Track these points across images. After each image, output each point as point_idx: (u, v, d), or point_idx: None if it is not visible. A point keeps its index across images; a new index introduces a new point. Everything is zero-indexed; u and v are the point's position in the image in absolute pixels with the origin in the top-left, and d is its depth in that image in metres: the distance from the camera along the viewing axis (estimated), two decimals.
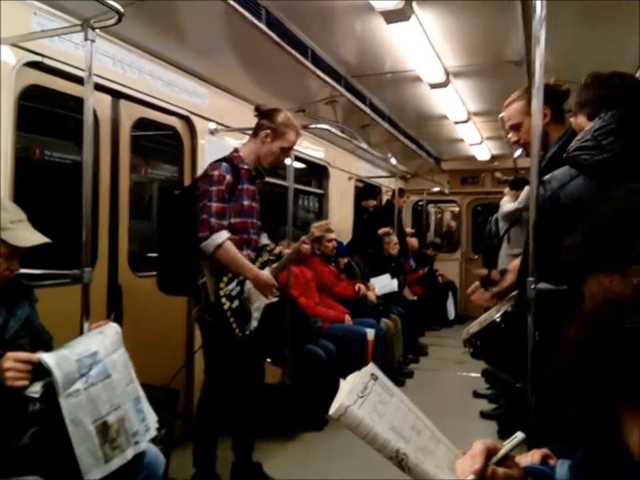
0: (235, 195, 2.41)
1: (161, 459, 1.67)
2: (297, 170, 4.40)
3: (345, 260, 4.79)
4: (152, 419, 1.60)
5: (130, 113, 2.91)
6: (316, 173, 5.50)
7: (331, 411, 0.76)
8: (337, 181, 5.59)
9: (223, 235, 2.30)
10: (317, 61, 3.36)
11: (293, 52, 3.03)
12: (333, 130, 4.09)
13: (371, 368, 0.81)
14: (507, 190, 4.38)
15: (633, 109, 1.55)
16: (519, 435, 0.79)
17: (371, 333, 4.04)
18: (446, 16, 2.92)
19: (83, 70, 1.95)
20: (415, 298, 6.22)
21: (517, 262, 2.07)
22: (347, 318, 4.13)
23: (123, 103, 2.84)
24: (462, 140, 6.08)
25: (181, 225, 2.41)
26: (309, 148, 4.91)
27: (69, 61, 2.36)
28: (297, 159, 4.46)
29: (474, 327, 2.01)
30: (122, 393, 1.49)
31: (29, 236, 1.56)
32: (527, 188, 3.56)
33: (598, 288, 0.54)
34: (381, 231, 5.59)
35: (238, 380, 2.59)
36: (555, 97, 1.89)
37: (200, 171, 2.77)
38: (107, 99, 2.76)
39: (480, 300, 2.19)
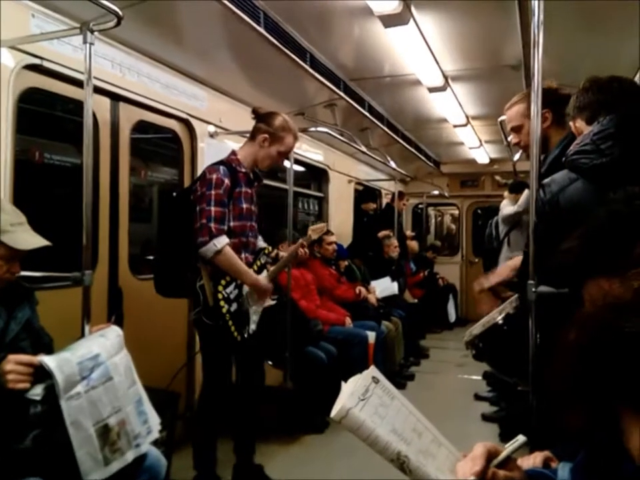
0: (234, 199, 2.41)
1: (162, 461, 1.67)
2: (296, 173, 4.41)
3: (346, 263, 4.79)
4: (154, 420, 1.60)
5: (129, 116, 2.91)
6: (316, 175, 5.51)
7: (333, 413, 0.76)
8: (336, 184, 5.59)
9: (223, 241, 2.30)
10: (316, 65, 3.37)
11: (292, 55, 3.03)
12: (332, 133, 4.10)
13: (372, 371, 0.81)
14: (506, 193, 4.39)
15: (631, 113, 1.55)
16: (520, 438, 0.79)
17: (371, 336, 4.04)
18: (444, 20, 2.93)
19: (82, 73, 1.95)
20: (416, 301, 6.22)
21: (517, 260, 2.07)
22: (348, 321, 4.13)
23: (122, 105, 2.85)
24: (461, 143, 6.08)
25: (178, 227, 2.41)
26: (309, 151, 4.91)
27: (68, 64, 2.36)
28: (297, 161, 4.47)
29: (476, 328, 2.01)
30: (123, 395, 1.49)
31: (29, 239, 1.56)
32: (526, 191, 3.57)
33: (598, 291, 0.54)
34: (381, 233, 5.60)
35: (238, 382, 2.59)
36: (556, 100, 1.89)
37: (199, 173, 2.77)
38: (106, 101, 2.76)
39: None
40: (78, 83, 2.19)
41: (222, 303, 2.34)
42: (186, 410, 2.93)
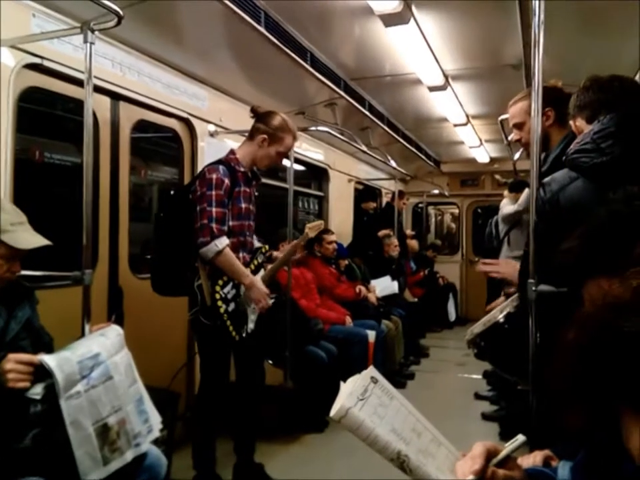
0: (233, 198, 2.41)
1: (162, 460, 1.67)
2: (296, 172, 4.41)
3: (346, 262, 4.79)
4: (155, 419, 1.59)
5: (130, 115, 2.91)
6: (316, 175, 5.51)
7: (332, 412, 0.76)
8: (336, 183, 5.59)
9: (224, 242, 2.30)
10: (316, 64, 3.36)
11: (293, 55, 3.03)
12: (333, 132, 4.10)
13: (371, 371, 0.81)
14: (506, 192, 4.38)
15: (631, 112, 1.55)
16: (520, 438, 0.79)
17: (371, 335, 4.04)
18: (444, 19, 2.93)
19: (82, 72, 1.95)
20: (416, 300, 6.22)
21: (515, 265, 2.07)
22: (348, 320, 4.13)
23: (122, 105, 2.85)
24: (461, 142, 6.08)
25: (175, 226, 2.40)
26: (309, 150, 4.91)
27: (68, 63, 2.36)
28: (297, 161, 4.47)
29: (478, 327, 2.01)
30: (124, 394, 1.49)
31: (29, 238, 1.57)
32: (526, 190, 3.57)
33: (597, 291, 0.54)
34: (381, 233, 5.60)
35: (237, 382, 2.59)
36: (559, 99, 1.89)
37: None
38: (106, 101, 2.76)
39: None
40: (78, 82, 2.19)
41: (219, 302, 2.34)
42: (186, 409, 2.93)
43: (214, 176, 2.35)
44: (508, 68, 3.59)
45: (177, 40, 2.82)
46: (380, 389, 0.79)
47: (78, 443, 1.35)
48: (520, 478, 0.76)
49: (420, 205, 8.25)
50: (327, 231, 4.63)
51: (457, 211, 8.62)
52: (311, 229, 2.67)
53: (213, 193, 2.32)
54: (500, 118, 3.34)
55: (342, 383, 0.80)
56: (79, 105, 2.01)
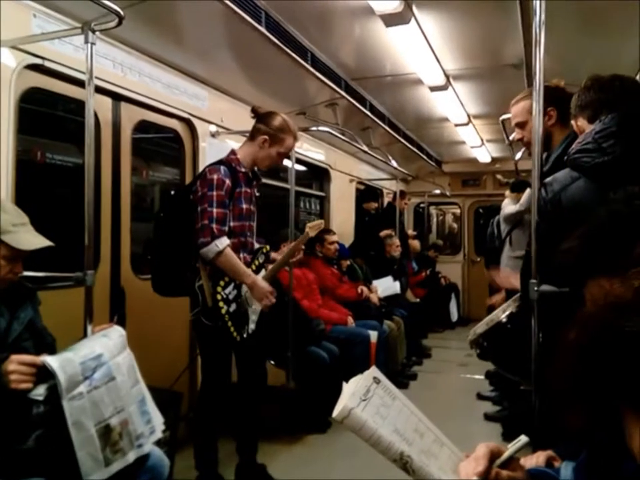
0: (234, 199, 2.41)
1: (165, 461, 1.67)
2: (298, 172, 4.40)
3: (347, 262, 4.79)
4: (158, 420, 1.60)
5: (131, 116, 2.91)
6: (317, 175, 5.51)
7: (335, 413, 0.76)
8: (338, 184, 5.59)
9: (224, 242, 2.30)
10: (317, 64, 3.36)
11: (293, 55, 3.03)
12: (334, 132, 4.10)
13: (373, 371, 0.81)
14: (507, 192, 4.38)
15: (633, 111, 1.55)
16: (523, 439, 0.79)
17: (373, 335, 4.03)
18: (445, 19, 2.92)
19: (83, 72, 1.95)
20: (418, 300, 6.22)
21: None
22: (350, 320, 4.13)
23: (123, 105, 2.85)
24: (463, 142, 6.08)
25: (176, 226, 2.40)
26: (310, 150, 4.91)
27: (69, 64, 2.37)
28: (298, 161, 4.47)
29: (480, 327, 2.01)
30: (126, 395, 1.49)
31: (31, 239, 1.57)
32: (528, 190, 3.56)
33: (599, 291, 0.54)
34: (383, 233, 5.60)
35: (239, 383, 2.59)
36: (562, 99, 1.89)
37: None
38: (107, 101, 2.76)
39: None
40: (79, 83, 2.19)
41: (221, 303, 2.34)
42: (189, 410, 2.93)
43: (215, 176, 2.34)
44: (509, 67, 3.58)
45: (178, 40, 2.83)
46: (382, 389, 0.79)
47: (80, 443, 1.35)
48: (523, 479, 0.76)
49: (421, 205, 8.24)
50: (328, 231, 4.63)
51: (458, 210, 8.62)
52: (312, 228, 2.67)
53: (214, 193, 2.32)
54: (501, 118, 3.34)
55: (344, 384, 0.80)
56: (80, 105, 2.02)
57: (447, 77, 3.83)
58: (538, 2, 1.61)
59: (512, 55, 3.38)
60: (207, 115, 3.36)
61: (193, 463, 2.51)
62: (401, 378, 4.53)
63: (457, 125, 5.23)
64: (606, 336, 0.48)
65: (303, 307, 3.73)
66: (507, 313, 1.93)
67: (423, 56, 3.35)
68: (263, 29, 2.70)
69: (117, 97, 2.79)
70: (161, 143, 3.64)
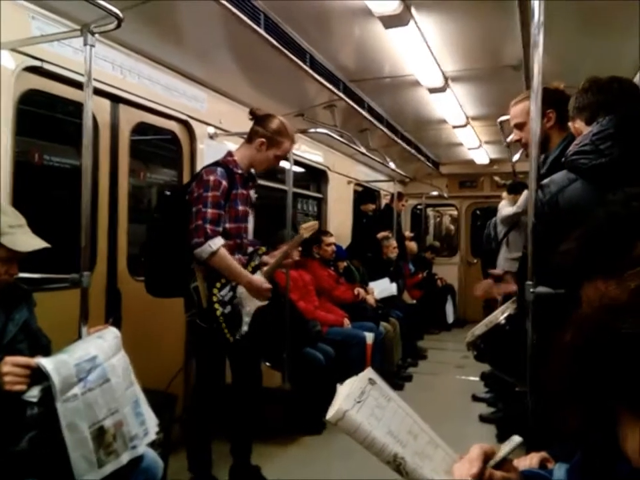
0: (230, 200, 2.40)
1: (159, 462, 1.67)
2: (295, 174, 4.41)
3: (344, 264, 4.79)
4: (152, 422, 1.59)
5: (129, 118, 2.91)
6: (315, 176, 5.51)
7: (329, 415, 0.76)
8: (335, 185, 5.59)
9: (218, 242, 2.30)
10: (316, 66, 3.37)
11: (292, 56, 3.03)
12: (332, 134, 4.10)
13: (369, 373, 0.81)
14: (504, 194, 4.39)
15: (630, 113, 1.56)
16: (515, 438, 0.79)
17: (370, 337, 4.03)
18: (444, 21, 2.93)
19: (82, 75, 1.95)
20: (414, 302, 6.22)
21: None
22: (346, 322, 4.13)
23: (122, 107, 2.85)
24: (460, 144, 6.09)
25: (171, 227, 2.40)
26: (308, 152, 4.91)
27: (68, 66, 2.36)
28: (296, 162, 4.47)
29: (479, 328, 2.01)
30: (120, 396, 1.48)
31: (28, 241, 1.56)
32: (526, 192, 3.57)
33: (595, 293, 0.54)
34: (380, 234, 5.60)
35: (234, 384, 2.59)
36: (561, 101, 1.90)
37: None
38: (106, 103, 2.76)
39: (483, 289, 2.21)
40: (78, 85, 2.19)
41: (216, 305, 2.33)
42: (183, 412, 2.93)
43: (211, 178, 2.34)
44: (508, 69, 3.59)
45: (177, 42, 2.83)
46: (377, 391, 0.79)
47: (73, 445, 1.35)
48: (516, 478, 0.76)
49: (419, 207, 8.25)
50: (325, 232, 4.63)
51: (455, 212, 8.63)
52: (306, 229, 2.67)
53: (209, 194, 2.32)
54: (499, 119, 3.35)
55: (338, 385, 0.80)
56: (78, 107, 2.01)
57: (446, 78, 3.84)
58: (536, 3, 1.61)
59: (511, 56, 3.39)
60: (206, 116, 3.37)
61: (187, 465, 2.50)
62: (396, 379, 4.53)
63: (455, 127, 5.24)
64: (601, 337, 0.48)
65: (300, 308, 3.73)
66: (506, 314, 1.93)
67: (421, 57, 3.36)
68: (261, 31, 2.70)
69: (115, 99, 2.79)
70: (159, 144, 3.64)
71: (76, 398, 1.36)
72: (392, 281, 5.32)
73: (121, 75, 2.70)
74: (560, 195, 1.55)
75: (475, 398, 4.26)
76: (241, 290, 2.42)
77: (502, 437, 3.21)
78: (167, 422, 2.32)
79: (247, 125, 2.62)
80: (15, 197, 2.20)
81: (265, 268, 2.55)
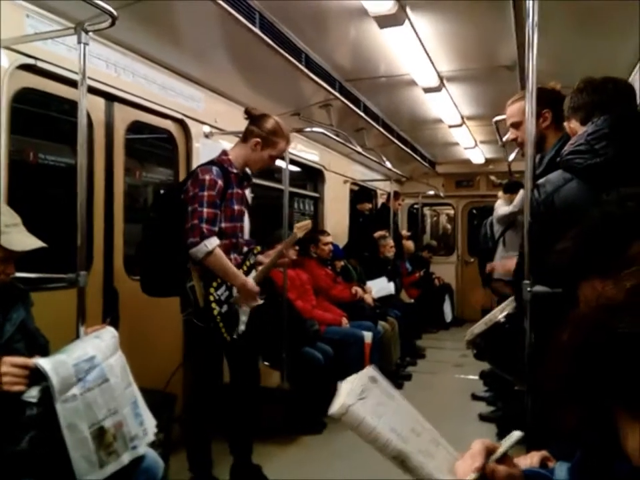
0: (226, 200, 2.40)
1: (159, 462, 1.66)
2: (292, 173, 4.40)
3: (342, 263, 4.79)
4: (150, 422, 1.59)
5: (124, 116, 2.90)
6: (311, 176, 5.51)
7: (332, 410, 0.75)
8: (332, 184, 5.59)
9: (214, 242, 2.29)
10: (311, 65, 3.37)
11: (287, 56, 3.03)
12: (328, 134, 4.10)
13: (370, 371, 0.81)
14: (500, 193, 4.40)
15: (625, 113, 1.57)
16: (516, 433, 0.80)
17: (368, 336, 4.04)
18: (439, 21, 2.93)
19: (76, 73, 1.95)
20: (412, 301, 6.23)
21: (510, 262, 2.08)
22: (344, 321, 4.13)
23: (117, 106, 2.84)
24: (456, 143, 6.10)
25: (165, 225, 2.39)
26: (304, 151, 4.91)
27: (62, 64, 2.36)
28: (292, 162, 4.46)
29: (478, 327, 2.02)
30: (120, 396, 1.48)
31: (24, 240, 1.56)
32: (521, 191, 3.58)
33: (592, 292, 0.54)
34: (377, 234, 5.60)
35: (232, 383, 2.59)
36: (557, 101, 1.90)
37: None
38: (100, 102, 2.75)
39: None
40: (72, 83, 2.18)
41: (213, 304, 2.33)
42: (183, 412, 2.93)
43: (207, 177, 2.34)
44: (502, 69, 3.60)
45: (172, 41, 2.82)
46: (379, 389, 0.79)
47: (74, 446, 1.34)
48: (519, 475, 0.76)
49: (415, 206, 8.27)
50: (322, 232, 4.63)
51: (452, 211, 8.65)
52: (299, 228, 2.67)
53: (205, 193, 2.31)
54: (494, 119, 3.36)
55: (340, 383, 0.80)
56: (73, 106, 2.00)
57: (441, 78, 3.84)
58: (531, 3, 1.62)
59: (505, 56, 3.40)
60: (201, 115, 3.36)
61: (187, 465, 2.50)
62: (395, 379, 4.54)
63: (450, 126, 5.25)
64: (598, 336, 0.49)
65: (297, 307, 3.73)
66: (505, 313, 1.94)
67: (416, 57, 3.36)
68: (257, 30, 2.70)
69: (110, 98, 2.78)
70: (155, 143, 3.63)
71: (75, 398, 1.36)
72: (389, 280, 5.33)
73: (115, 73, 2.69)
74: (555, 194, 1.56)
75: (475, 397, 4.26)
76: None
77: (502, 436, 3.17)
78: (166, 422, 2.32)
79: (242, 124, 2.62)
80: (10, 196, 2.19)
81: (260, 268, 2.55)
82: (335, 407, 0.75)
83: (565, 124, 1.78)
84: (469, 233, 8.17)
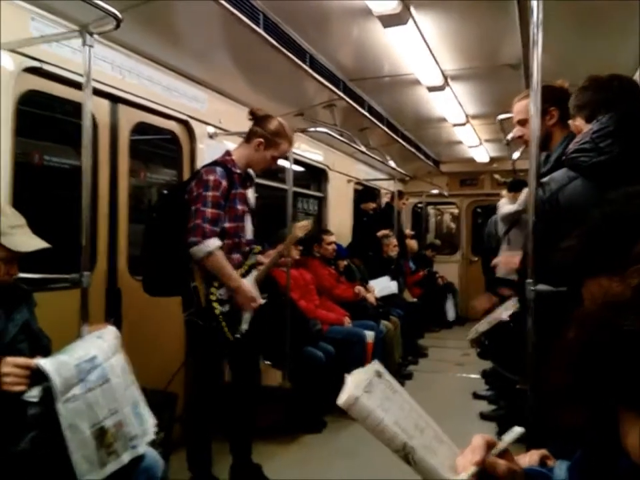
0: (229, 200, 2.40)
1: (159, 462, 1.67)
2: (296, 173, 4.40)
3: (345, 262, 4.79)
4: (150, 422, 1.59)
5: (129, 118, 2.91)
6: (315, 176, 5.51)
7: (340, 401, 0.75)
8: (336, 184, 5.59)
9: (215, 243, 2.29)
10: (315, 65, 3.37)
11: (291, 56, 3.03)
12: (332, 133, 4.10)
13: (375, 365, 0.81)
14: (504, 192, 4.39)
15: (630, 111, 1.56)
16: (516, 429, 0.79)
17: (370, 336, 4.04)
18: (443, 20, 2.93)
19: (81, 75, 1.95)
20: (415, 300, 6.22)
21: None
22: (347, 320, 4.13)
23: (121, 107, 2.85)
24: (460, 142, 6.09)
25: (168, 225, 2.39)
26: (308, 151, 4.91)
27: (67, 66, 2.36)
28: (296, 162, 4.47)
29: (482, 325, 2.02)
30: (121, 397, 1.49)
31: (28, 241, 1.57)
32: (526, 189, 3.57)
33: (597, 290, 0.54)
34: (381, 233, 5.60)
35: (233, 383, 2.59)
36: (564, 98, 1.89)
37: None
38: (105, 103, 2.76)
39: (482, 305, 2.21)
40: (77, 85, 2.19)
41: (215, 304, 2.33)
42: (184, 411, 2.94)
43: (211, 177, 2.34)
44: (507, 68, 3.59)
45: (176, 42, 2.83)
46: (384, 383, 0.79)
47: (75, 446, 1.35)
48: (520, 471, 0.76)
49: (419, 205, 8.25)
50: (326, 231, 4.64)
51: (456, 210, 8.63)
52: (299, 228, 2.66)
53: (209, 194, 2.32)
54: (499, 117, 3.35)
55: (346, 375, 0.80)
56: (78, 108, 2.01)
57: (445, 77, 3.83)
58: (535, 2, 1.61)
59: (510, 55, 3.39)
60: (205, 116, 3.36)
61: (187, 464, 2.50)
62: (397, 377, 4.51)
63: (454, 125, 5.25)
64: (603, 334, 0.48)
65: (300, 307, 3.73)
66: (510, 311, 1.94)
67: (420, 56, 3.36)
68: (261, 31, 2.70)
69: (114, 99, 2.79)
70: (159, 144, 3.64)
71: (76, 398, 1.36)
72: (392, 279, 5.32)
73: (120, 75, 2.70)
74: (560, 193, 1.56)
75: (476, 396, 4.25)
76: None
77: (503, 435, 3.20)
78: (167, 421, 2.32)
79: (246, 124, 2.62)
80: (15, 198, 2.20)
81: (260, 267, 2.55)
82: (343, 398, 0.75)
83: (570, 122, 1.78)
84: (473, 232, 8.15)
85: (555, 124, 1.96)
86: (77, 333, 1.85)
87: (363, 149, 4.74)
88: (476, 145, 6.20)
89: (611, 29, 2.93)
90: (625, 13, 2.63)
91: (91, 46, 1.90)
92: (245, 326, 2.46)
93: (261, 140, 2.48)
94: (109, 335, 1.57)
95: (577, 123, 1.72)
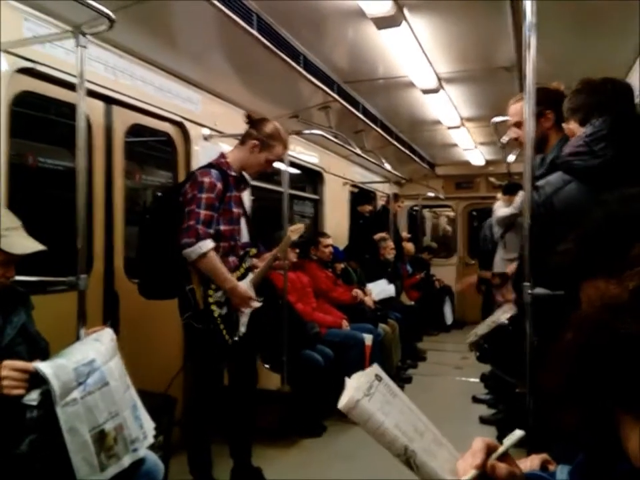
0: (224, 202, 2.40)
1: (159, 465, 1.66)
2: (291, 175, 4.40)
3: (342, 265, 4.79)
4: (149, 425, 1.59)
5: (123, 119, 2.90)
6: (311, 178, 5.51)
7: (341, 404, 0.75)
8: (331, 187, 5.59)
9: (209, 244, 2.28)
10: (310, 67, 3.37)
11: (286, 58, 3.03)
12: (327, 136, 4.10)
13: (375, 369, 0.81)
14: (499, 195, 4.40)
15: (624, 114, 1.56)
16: (517, 432, 0.79)
17: (368, 339, 4.03)
18: (437, 22, 2.94)
19: (75, 76, 1.95)
20: (412, 303, 6.22)
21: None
22: (345, 323, 4.12)
23: (115, 109, 2.84)
24: (456, 145, 6.10)
25: (162, 228, 2.38)
26: (303, 153, 4.91)
27: (60, 67, 2.35)
28: (292, 164, 4.46)
29: (482, 328, 2.02)
30: (120, 399, 1.48)
31: (24, 243, 1.56)
32: (521, 192, 3.58)
33: (594, 293, 0.54)
34: (377, 236, 5.60)
35: (231, 386, 2.58)
36: (559, 101, 1.90)
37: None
38: (99, 105, 2.75)
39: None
40: (71, 86, 2.18)
41: (213, 307, 2.33)
42: (183, 414, 2.92)
43: (206, 179, 2.34)
44: (501, 70, 3.60)
45: (170, 43, 2.82)
46: (384, 387, 0.79)
47: (75, 449, 1.34)
48: (520, 474, 0.76)
49: (415, 208, 8.26)
50: (322, 234, 4.63)
51: (452, 213, 8.64)
52: (293, 232, 2.66)
53: (204, 195, 2.31)
54: (493, 120, 3.36)
55: (347, 379, 0.79)
56: (72, 109, 2.00)
57: (439, 79, 3.84)
58: (528, 4, 1.62)
59: (504, 57, 3.40)
60: (200, 118, 3.36)
61: (187, 468, 2.49)
62: (396, 381, 4.50)
63: (449, 128, 5.26)
64: (600, 337, 0.48)
65: (298, 310, 3.72)
66: (508, 315, 1.94)
67: (415, 59, 3.36)
68: (254, 32, 2.70)
69: (109, 101, 2.78)
70: (154, 146, 3.63)
71: (76, 402, 1.36)
72: (390, 282, 5.32)
73: (113, 76, 2.69)
74: (555, 196, 1.56)
75: (475, 399, 4.25)
76: None
77: (502, 439, 3.20)
78: (166, 425, 2.31)
79: (241, 126, 2.62)
80: (10, 200, 2.19)
81: (256, 271, 2.54)
82: (343, 401, 0.75)
83: (564, 125, 1.78)
84: (469, 235, 8.16)
85: (551, 126, 1.96)
86: (74, 335, 1.84)
87: (358, 151, 4.74)
88: (471, 148, 6.21)
89: (606, 31, 2.94)
90: (621, 15, 2.65)
91: (84, 47, 1.90)
92: (242, 329, 2.46)
93: (256, 142, 2.48)
94: (105, 337, 1.56)
95: (571, 126, 1.72)
